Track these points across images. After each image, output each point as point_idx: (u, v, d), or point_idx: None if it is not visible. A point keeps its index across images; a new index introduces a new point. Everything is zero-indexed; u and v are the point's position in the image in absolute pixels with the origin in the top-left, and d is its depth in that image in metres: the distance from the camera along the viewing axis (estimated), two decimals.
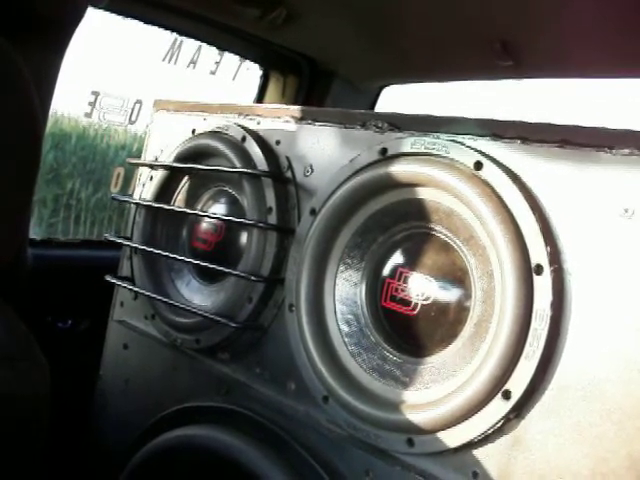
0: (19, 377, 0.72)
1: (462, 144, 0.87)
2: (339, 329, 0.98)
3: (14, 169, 0.79)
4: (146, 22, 1.66)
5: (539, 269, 0.77)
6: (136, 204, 1.29)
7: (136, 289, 1.26)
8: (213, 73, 1.98)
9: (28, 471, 0.77)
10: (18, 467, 0.76)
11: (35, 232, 1.82)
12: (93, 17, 1.36)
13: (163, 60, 1.91)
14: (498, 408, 0.79)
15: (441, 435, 0.84)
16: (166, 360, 1.22)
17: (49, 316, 1.62)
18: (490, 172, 0.83)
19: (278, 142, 1.09)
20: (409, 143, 0.91)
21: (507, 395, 0.78)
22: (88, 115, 1.85)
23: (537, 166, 0.80)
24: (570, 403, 0.75)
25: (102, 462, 1.33)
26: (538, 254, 0.77)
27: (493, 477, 0.81)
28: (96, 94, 1.82)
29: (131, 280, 1.29)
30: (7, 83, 0.77)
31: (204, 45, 1.88)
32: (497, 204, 0.81)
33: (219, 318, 1.08)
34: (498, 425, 0.79)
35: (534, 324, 0.77)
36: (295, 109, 1.08)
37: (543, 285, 0.77)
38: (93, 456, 1.35)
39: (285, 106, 1.12)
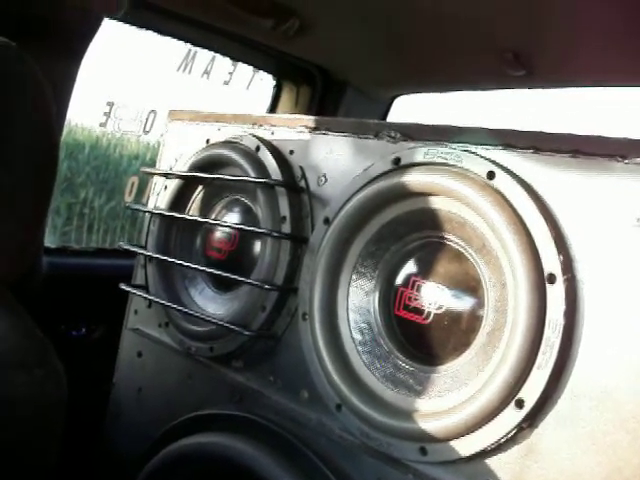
0: (35, 383, 0.73)
1: (475, 154, 0.87)
2: (352, 337, 0.99)
3: (32, 177, 0.80)
4: (161, 33, 1.68)
5: (552, 278, 0.77)
6: (151, 213, 1.30)
7: (150, 297, 1.27)
8: (227, 83, 2.00)
9: (41, 478, 0.78)
10: (31, 474, 0.76)
11: (49, 240, 1.83)
12: (109, 28, 1.38)
13: (177, 70, 1.92)
14: (511, 417, 0.79)
15: (454, 444, 0.84)
16: (180, 368, 1.23)
17: (63, 324, 1.63)
18: (503, 182, 0.83)
19: (292, 152, 1.10)
20: (422, 153, 0.92)
21: (520, 404, 0.79)
22: (103, 125, 1.87)
23: (550, 175, 0.81)
24: (583, 412, 0.75)
25: (115, 470, 1.33)
26: (551, 263, 0.77)
27: None
28: (111, 104, 1.84)
29: (145, 288, 1.30)
30: (26, 92, 0.79)
31: (218, 55, 1.90)
32: (510, 213, 0.81)
33: (233, 326, 1.08)
34: (511, 434, 0.79)
35: (547, 333, 0.77)
36: (309, 119, 1.09)
37: (556, 294, 0.77)
38: (106, 464, 1.36)
39: (299, 116, 1.13)
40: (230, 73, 1.98)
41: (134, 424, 1.32)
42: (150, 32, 1.65)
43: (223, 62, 1.94)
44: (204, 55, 1.92)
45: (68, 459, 0.90)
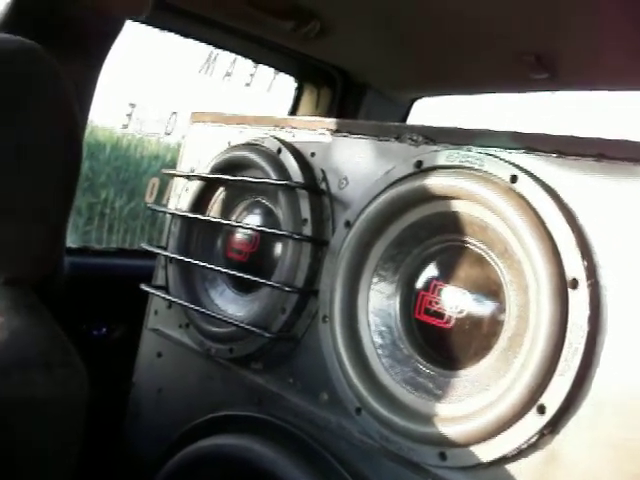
0: (58, 383, 0.73)
1: (497, 157, 0.87)
2: (372, 341, 0.99)
3: (55, 179, 0.80)
4: (182, 35, 1.68)
5: (575, 283, 0.76)
6: (172, 214, 1.31)
7: (170, 298, 1.27)
8: (248, 85, 2.01)
9: (64, 474, 0.78)
10: (54, 474, 0.77)
11: (71, 240, 1.85)
12: (132, 30, 1.39)
13: (199, 72, 1.93)
14: (533, 423, 0.78)
15: (474, 449, 0.84)
16: (199, 369, 1.23)
17: (84, 324, 1.64)
18: (525, 186, 0.83)
19: (313, 154, 1.10)
20: (444, 156, 0.92)
21: (542, 410, 0.78)
22: (125, 126, 1.88)
23: (573, 180, 0.80)
24: (606, 419, 0.74)
25: (133, 470, 1.34)
26: (574, 268, 0.77)
27: None
28: (133, 106, 1.85)
29: (166, 289, 1.30)
30: (51, 94, 0.79)
31: (239, 58, 1.90)
32: (533, 218, 0.80)
33: (253, 328, 1.09)
34: (533, 440, 0.79)
35: (570, 339, 0.77)
36: (330, 121, 1.09)
37: (579, 300, 0.76)
38: (124, 464, 1.37)
39: (320, 118, 1.13)
40: (251, 75, 1.98)
41: (153, 424, 1.32)
42: (172, 34, 1.66)
43: (244, 64, 1.95)
44: (226, 57, 1.92)
45: (87, 459, 0.91)
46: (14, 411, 0.68)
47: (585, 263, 0.76)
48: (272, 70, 1.97)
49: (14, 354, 0.69)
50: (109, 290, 1.63)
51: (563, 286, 0.77)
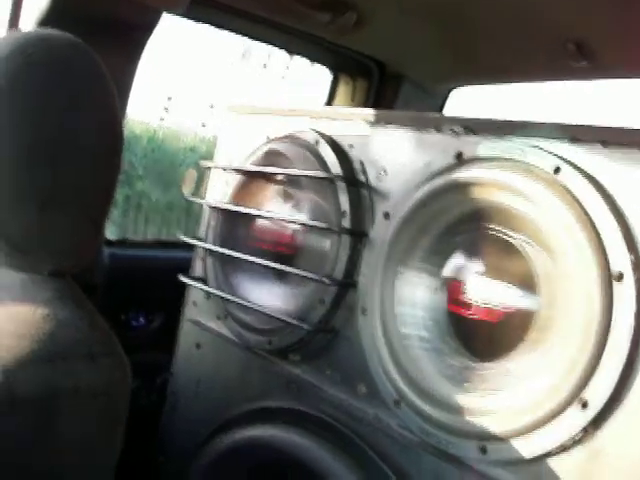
0: (101, 374, 0.74)
1: (540, 148, 0.85)
2: (411, 333, 0.98)
3: (97, 173, 0.81)
4: (219, 27, 1.69)
5: (620, 277, 0.75)
6: (211, 207, 1.31)
7: (209, 289, 1.28)
8: (284, 77, 2.00)
9: (106, 467, 0.79)
10: (98, 465, 0.78)
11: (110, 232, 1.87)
12: (169, 21, 1.40)
13: (235, 64, 1.93)
14: (576, 418, 0.77)
15: (515, 444, 0.83)
16: (238, 361, 1.24)
17: (124, 314, 1.66)
18: (569, 177, 0.81)
19: (351, 146, 1.09)
20: (485, 147, 0.91)
21: (585, 405, 0.77)
22: (162, 119, 1.89)
23: (618, 171, 0.78)
24: None
25: (171, 460, 1.35)
26: (620, 262, 0.75)
27: None
28: (170, 99, 1.86)
29: (204, 280, 1.31)
30: (92, 88, 0.80)
31: (275, 49, 1.90)
32: (577, 210, 0.79)
33: (292, 320, 1.09)
34: (575, 436, 0.78)
35: (614, 333, 0.75)
36: (368, 112, 1.08)
37: (625, 294, 0.75)
38: (163, 454, 1.38)
39: (358, 109, 1.12)
40: (287, 67, 1.98)
41: (191, 415, 1.33)
42: (208, 26, 1.66)
43: (280, 56, 1.94)
44: (261, 49, 1.92)
45: (127, 448, 0.92)
46: (59, 400, 0.70)
47: (632, 257, 0.75)
48: (308, 62, 1.96)
49: (59, 344, 0.71)
50: (148, 281, 1.65)
51: (608, 280, 0.76)
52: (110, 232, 1.77)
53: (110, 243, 1.67)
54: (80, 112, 0.77)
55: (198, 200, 1.36)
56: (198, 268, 1.35)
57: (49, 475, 0.71)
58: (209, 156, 1.42)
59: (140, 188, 2.17)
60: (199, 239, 1.33)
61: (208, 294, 1.31)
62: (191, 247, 1.37)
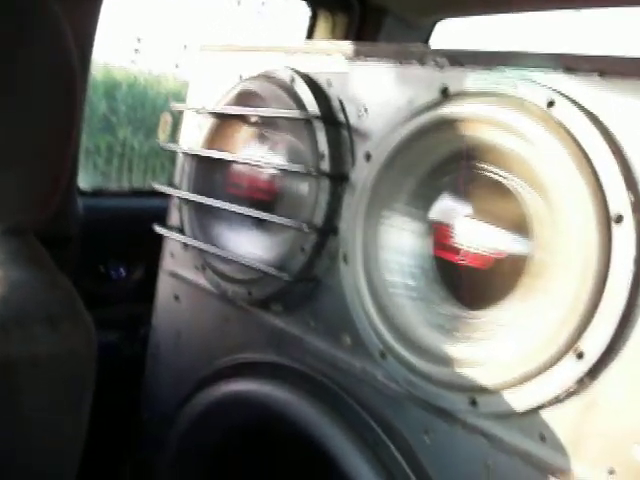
0: (62, 339, 0.69)
1: (532, 80, 0.79)
2: (395, 281, 0.94)
3: (50, 123, 0.75)
4: None
5: (619, 219, 0.70)
6: (184, 153, 1.25)
7: (185, 239, 1.23)
8: (259, 12, 1.91)
9: (76, 430, 0.75)
10: (65, 429, 0.74)
11: (87, 181, 1.81)
12: None
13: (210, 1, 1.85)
14: (571, 369, 0.74)
15: (507, 396, 0.79)
16: (217, 312, 1.21)
17: (103, 266, 1.62)
18: (564, 111, 0.75)
19: (329, 83, 1.03)
20: (472, 80, 0.84)
21: (580, 355, 0.73)
22: (133, 62, 1.81)
23: (618, 103, 0.72)
24: None
25: (154, 413, 1.34)
26: (619, 202, 0.70)
27: (563, 441, 0.76)
28: (140, 40, 1.77)
29: (181, 230, 1.26)
30: (45, 33, 0.73)
31: None
32: (572, 147, 0.73)
33: (271, 270, 1.04)
34: (570, 387, 0.74)
35: (612, 279, 0.71)
36: (347, 46, 1.01)
37: (624, 237, 0.70)
38: (145, 407, 1.37)
39: (336, 42, 1.05)
40: (262, 3, 1.89)
41: (173, 367, 1.32)
42: None
43: None
44: None
45: (107, 402, 0.89)
46: (17, 370, 0.64)
47: (631, 197, 0.70)
48: None
49: (12, 309, 0.65)
50: (126, 232, 1.60)
51: (606, 222, 0.70)
52: (92, 181, 1.71)
53: (84, 193, 1.61)
54: (28, 59, 0.70)
55: (171, 147, 1.30)
56: (174, 217, 1.30)
57: (15, 454, 0.67)
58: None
59: (122, 135, 2.12)
60: (174, 187, 1.27)
61: (185, 245, 1.26)
62: (169, 195, 1.31)
